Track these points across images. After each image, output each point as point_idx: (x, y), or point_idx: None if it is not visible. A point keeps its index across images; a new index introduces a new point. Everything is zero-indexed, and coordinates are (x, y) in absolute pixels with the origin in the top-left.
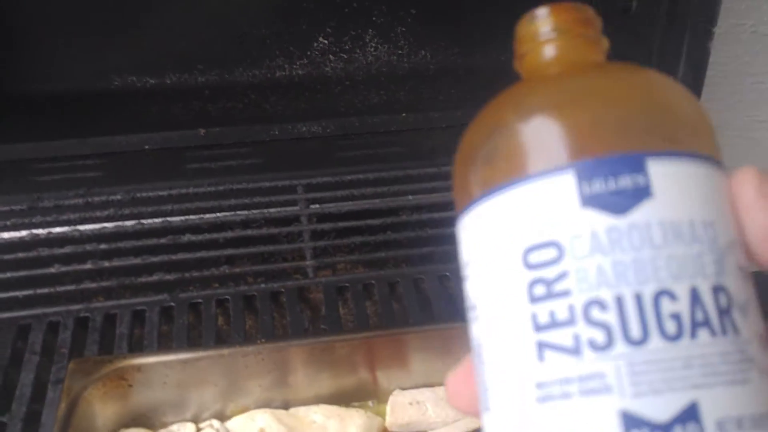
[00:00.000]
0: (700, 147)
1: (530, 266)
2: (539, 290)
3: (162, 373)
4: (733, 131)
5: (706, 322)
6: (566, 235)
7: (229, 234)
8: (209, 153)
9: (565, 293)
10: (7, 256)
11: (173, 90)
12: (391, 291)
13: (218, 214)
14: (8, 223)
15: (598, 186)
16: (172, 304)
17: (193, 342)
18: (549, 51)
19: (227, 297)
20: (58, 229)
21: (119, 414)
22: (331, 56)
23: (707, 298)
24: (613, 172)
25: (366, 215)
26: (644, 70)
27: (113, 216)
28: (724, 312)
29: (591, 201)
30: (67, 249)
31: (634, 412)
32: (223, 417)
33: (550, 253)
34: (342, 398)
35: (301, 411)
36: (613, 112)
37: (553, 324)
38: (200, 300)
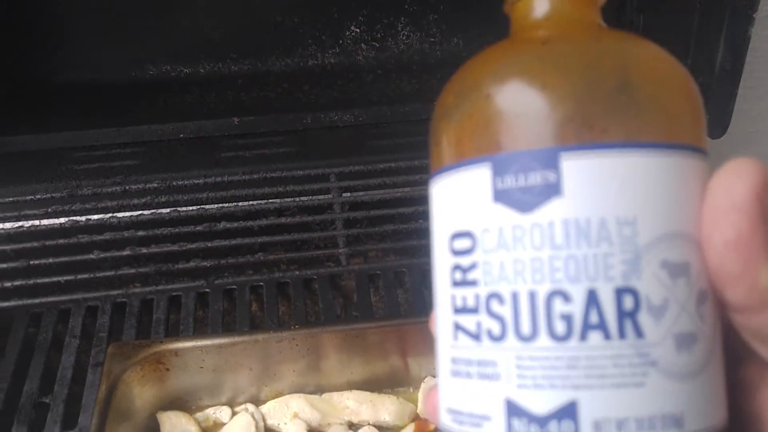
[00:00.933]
0: (646, 135)
1: (453, 252)
2: (457, 276)
3: (198, 358)
4: None
5: (600, 325)
6: (479, 228)
7: (263, 222)
8: (243, 142)
9: (474, 283)
10: (48, 243)
11: (207, 79)
12: (423, 279)
13: (252, 202)
14: (49, 210)
15: (509, 182)
16: (208, 290)
17: (227, 327)
18: (541, 4)
19: (261, 284)
20: (96, 217)
21: (157, 397)
22: (363, 45)
23: (606, 300)
24: (524, 168)
25: (397, 204)
26: (605, 43)
27: (150, 203)
28: (626, 315)
29: (501, 196)
30: (106, 236)
31: (517, 401)
32: (257, 401)
33: (466, 243)
34: (374, 384)
35: (334, 396)
36: (534, 103)
37: (465, 309)
38: (235, 286)
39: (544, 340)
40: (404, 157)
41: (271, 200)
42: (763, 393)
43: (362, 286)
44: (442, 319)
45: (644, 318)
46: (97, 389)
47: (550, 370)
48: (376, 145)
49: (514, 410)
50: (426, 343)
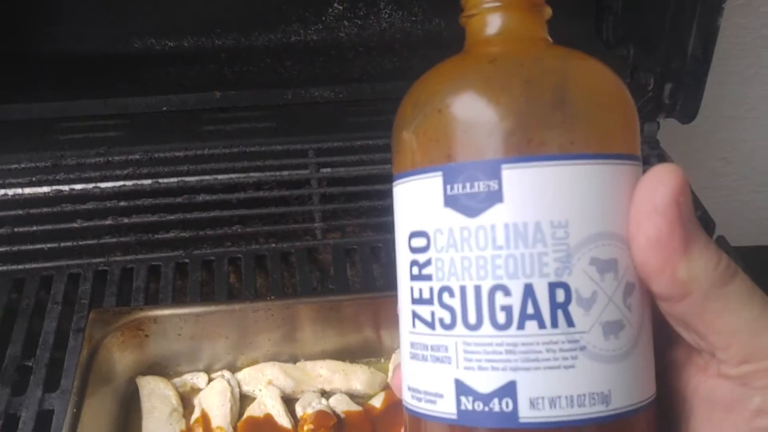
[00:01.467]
0: (579, 146)
1: (411, 249)
2: (415, 270)
3: (177, 325)
4: (748, 105)
5: (536, 316)
6: (432, 229)
7: (242, 195)
8: (225, 116)
9: (428, 277)
10: (32, 211)
11: (191, 53)
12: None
13: (232, 176)
14: (33, 179)
15: (457, 189)
16: (187, 260)
17: (205, 297)
18: (491, 22)
19: (239, 255)
20: (79, 186)
21: (136, 362)
22: (345, 22)
23: (541, 294)
24: (471, 178)
25: (375, 180)
26: (546, 62)
27: (132, 175)
28: (558, 306)
29: (451, 202)
30: (89, 205)
31: (465, 381)
32: (233, 368)
33: (422, 242)
34: (347, 355)
35: (308, 365)
36: (479, 119)
37: (421, 300)
38: (213, 258)
39: (487, 328)
40: (383, 135)
41: (250, 174)
42: (688, 371)
43: (339, 260)
44: (403, 307)
45: (574, 309)
46: (79, 354)
47: (492, 355)
48: (355, 122)
49: (462, 389)
50: (395, 318)
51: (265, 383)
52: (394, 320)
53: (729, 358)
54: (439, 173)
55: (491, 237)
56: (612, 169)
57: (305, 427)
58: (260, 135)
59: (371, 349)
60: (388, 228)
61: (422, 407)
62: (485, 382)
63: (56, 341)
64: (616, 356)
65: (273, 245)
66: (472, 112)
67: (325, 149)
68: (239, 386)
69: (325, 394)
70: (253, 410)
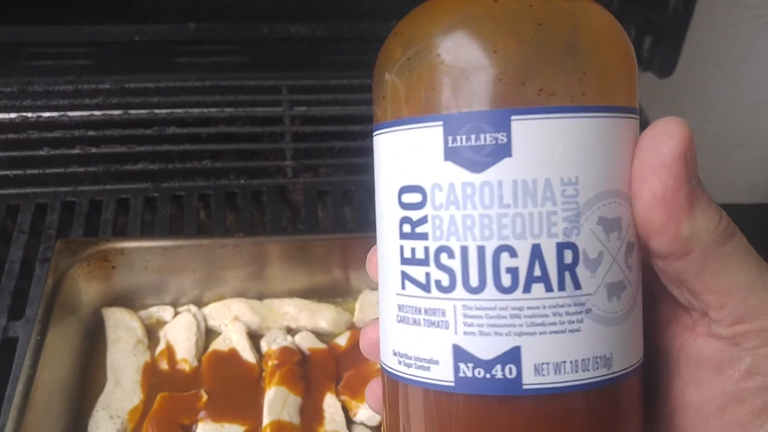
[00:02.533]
0: (590, 98)
1: (402, 205)
2: (406, 228)
3: (144, 258)
4: (729, 64)
5: (543, 278)
6: (429, 184)
7: (213, 130)
8: (198, 48)
9: (423, 236)
10: None
11: None
12: (371, 197)
13: (203, 110)
14: None
15: (460, 141)
16: (156, 194)
17: (174, 233)
18: None
19: (209, 192)
20: (47, 114)
21: (102, 294)
22: None
23: (549, 255)
24: (476, 129)
25: (348, 121)
26: (555, 3)
27: (101, 104)
28: (566, 268)
29: (453, 155)
30: (56, 133)
31: (464, 347)
32: (200, 303)
33: (416, 197)
34: (314, 294)
35: (275, 303)
36: (486, 64)
37: (413, 260)
38: (183, 193)
39: (490, 291)
40: (358, 75)
41: (222, 109)
42: (672, 329)
43: (310, 201)
44: (388, 267)
45: (581, 270)
46: (44, 283)
47: (496, 319)
48: (331, 61)
49: (461, 355)
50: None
51: (231, 319)
52: (362, 262)
53: (722, 317)
54: (439, 123)
55: (497, 194)
56: (619, 123)
57: (269, 363)
58: (234, 69)
59: (339, 290)
60: (362, 170)
61: (413, 374)
62: (487, 347)
63: (22, 270)
64: (618, 318)
65: (243, 182)
66: (479, 56)
67: (300, 87)
68: (205, 321)
69: (291, 331)
70: (218, 344)
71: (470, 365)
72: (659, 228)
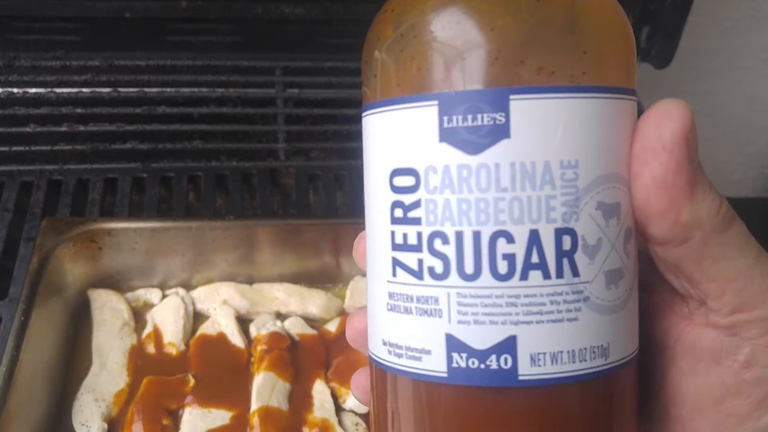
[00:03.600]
0: (590, 78)
1: (393, 188)
2: (398, 213)
3: (131, 239)
4: (723, 58)
5: (541, 265)
6: (423, 167)
7: (204, 110)
8: (190, 26)
9: (416, 221)
10: None
11: None
12: (362, 183)
13: (195, 89)
14: None
15: (456, 121)
16: (144, 175)
17: (163, 214)
18: None
19: (199, 173)
20: (34, 90)
21: (89, 275)
22: None
23: (547, 241)
24: (473, 109)
25: (342, 104)
26: None
27: (90, 81)
28: (564, 255)
29: (448, 136)
30: (43, 110)
31: (458, 337)
32: (188, 286)
33: (408, 180)
34: (305, 279)
35: (265, 287)
36: (483, 42)
37: (405, 246)
38: (172, 174)
39: (486, 278)
40: (353, 58)
41: (214, 89)
42: (667, 318)
43: (302, 185)
44: (377, 253)
45: (580, 257)
46: (29, 263)
47: (491, 308)
48: (325, 43)
49: (454, 345)
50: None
51: (219, 302)
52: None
53: (721, 306)
54: (434, 103)
55: (495, 177)
56: (620, 105)
57: (258, 348)
58: (226, 49)
59: (329, 275)
60: (354, 154)
61: (403, 364)
62: (482, 337)
63: (6, 249)
64: (615, 306)
65: (234, 164)
66: (475, 34)
67: (293, 68)
68: (193, 304)
69: (280, 316)
70: (206, 328)
71: (464, 355)
72: (659, 213)
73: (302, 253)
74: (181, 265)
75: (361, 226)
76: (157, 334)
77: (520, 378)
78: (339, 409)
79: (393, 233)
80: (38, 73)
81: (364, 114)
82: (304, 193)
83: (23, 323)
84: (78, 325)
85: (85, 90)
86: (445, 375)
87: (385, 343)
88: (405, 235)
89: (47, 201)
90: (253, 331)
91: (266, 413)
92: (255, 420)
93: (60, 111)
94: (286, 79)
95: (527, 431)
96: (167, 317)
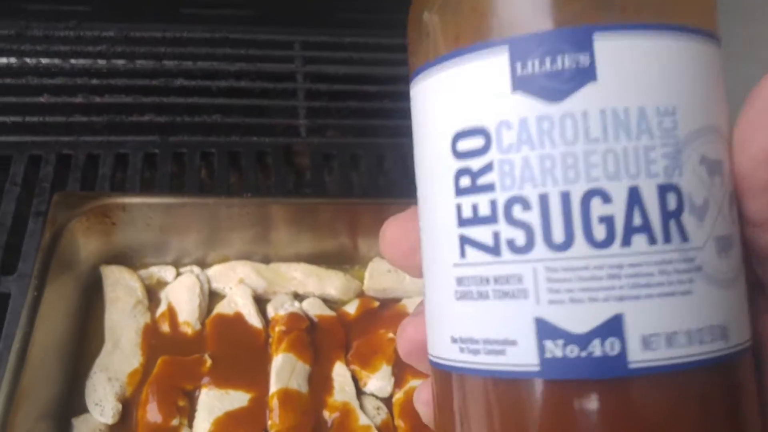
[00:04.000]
0: (675, 17)
1: (458, 155)
2: (464, 182)
3: (146, 215)
4: (735, 46)
5: (645, 228)
6: (494, 123)
7: (222, 83)
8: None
9: (488, 187)
10: None
11: None
12: (379, 163)
13: (213, 63)
14: None
15: (532, 67)
16: (156, 151)
17: (174, 191)
18: None
19: (212, 150)
20: (47, 60)
21: (101, 251)
22: None
23: (650, 200)
24: (552, 51)
25: (363, 80)
26: None
27: (105, 53)
28: (670, 216)
29: (523, 84)
30: (57, 80)
31: (550, 320)
32: (203, 264)
33: (476, 142)
34: (321, 260)
35: (282, 267)
36: None
37: (476, 219)
38: (185, 150)
39: (580, 247)
40: (374, 33)
41: (232, 62)
42: (763, 320)
43: (317, 165)
44: (438, 235)
45: (688, 219)
46: (39, 237)
47: (589, 282)
48: (346, 18)
49: (546, 331)
50: (377, 225)
51: (236, 281)
52: (371, 229)
53: None
54: (504, 48)
55: (583, 127)
56: (714, 51)
57: (277, 328)
58: (243, 23)
59: (346, 256)
60: (373, 132)
61: (480, 361)
62: (581, 318)
63: (14, 224)
64: (729, 280)
65: (255, 139)
66: None
67: (312, 43)
68: (208, 283)
69: (298, 297)
70: (222, 308)
71: (560, 342)
72: (762, 187)
73: (319, 233)
74: (195, 242)
75: (379, 207)
76: (171, 313)
77: (631, 366)
78: (359, 393)
79: (459, 207)
80: (51, 43)
81: (412, 81)
82: (319, 172)
83: (36, 299)
84: (90, 303)
85: (100, 61)
86: (536, 368)
87: (454, 340)
88: (475, 207)
89: (56, 175)
90: (270, 311)
91: (286, 395)
92: (274, 402)
93: (75, 82)
94: (305, 54)
95: None
96: (182, 296)
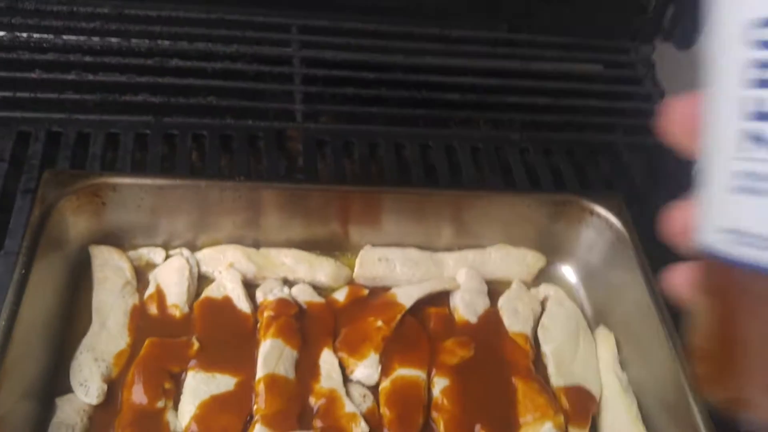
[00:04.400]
0: None
1: (755, 44)
2: (757, 74)
3: (137, 196)
4: None
5: None
6: None
7: (218, 65)
8: None
9: None
10: None
11: None
12: (372, 152)
13: (208, 44)
14: None
15: None
16: (148, 132)
17: (166, 172)
18: None
19: (204, 133)
20: (39, 35)
21: (91, 230)
22: None
23: None
24: None
25: (360, 67)
26: None
27: (99, 30)
28: None
29: None
30: (49, 56)
31: None
32: (192, 247)
33: None
34: (312, 246)
35: (272, 252)
36: None
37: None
38: (176, 131)
39: None
40: (374, 20)
41: (227, 44)
42: None
43: (309, 151)
44: (718, 127)
45: None
46: (28, 215)
47: None
48: (343, 3)
49: None
50: (369, 213)
51: (225, 265)
52: (363, 216)
53: None
54: None
55: None
56: None
57: (265, 314)
58: (239, 4)
59: (337, 243)
60: (366, 119)
61: (757, 256)
62: None
63: (1, 201)
64: None
65: (246, 122)
66: None
67: (311, 27)
68: (198, 266)
69: (287, 283)
70: (211, 291)
71: None
72: None
73: (310, 219)
74: (186, 225)
75: (368, 194)
76: (160, 295)
77: None
78: (346, 380)
79: (749, 100)
80: (43, 17)
81: None
82: (312, 158)
83: (24, 276)
84: (78, 282)
85: (94, 38)
86: None
87: (728, 232)
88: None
89: (46, 153)
90: (259, 296)
91: (272, 381)
92: (260, 387)
93: (68, 58)
94: (302, 38)
95: None
96: (171, 278)
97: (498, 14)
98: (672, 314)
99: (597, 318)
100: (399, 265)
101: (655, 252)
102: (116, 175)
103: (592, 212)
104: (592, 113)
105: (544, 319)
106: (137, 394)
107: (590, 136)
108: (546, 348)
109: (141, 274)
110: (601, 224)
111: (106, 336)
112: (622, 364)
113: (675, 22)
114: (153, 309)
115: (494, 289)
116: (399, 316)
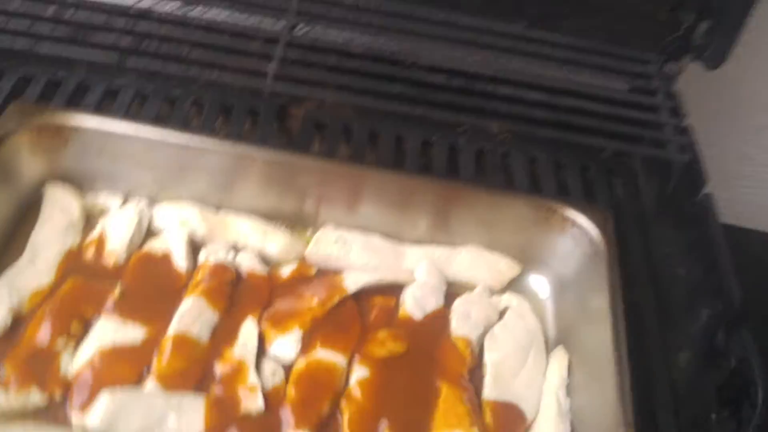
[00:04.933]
0: None
1: None
2: None
3: (101, 141)
4: None
5: None
6: None
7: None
8: None
9: None
10: None
11: None
12: (370, 138)
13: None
14: None
15: None
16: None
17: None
18: None
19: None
20: None
21: (47, 170)
22: None
23: None
24: None
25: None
26: None
27: None
28: None
29: None
30: None
31: None
32: (155, 201)
33: None
34: (277, 218)
35: (230, 217)
36: None
37: None
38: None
39: None
40: None
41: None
42: None
43: (307, 130)
44: None
45: None
46: None
47: None
48: None
49: None
50: (344, 192)
51: (178, 222)
52: (337, 195)
53: None
54: None
55: None
56: None
57: (199, 275)
58: None
59: (303, 219)
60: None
61: None
62: None
63: None
64: None
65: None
66: None
67: None
68: (151, 219)
69: (236, 249)
70: (153, 245)
71: None
72: None
73: (286, 191)
74: (150, 178)
75: (348, 172)
76: (100, 241)
77: None
78: (262, 354)
79: None
80: None
81: None
82: (308, 136)
83: None
84: (28, 219)
85: None
86: None
87: None
88: None
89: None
90: (201, 257)
91: (181, 342)
92: (167, 345)
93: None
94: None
95: None
96: (117, 226)
97: (519, 10)
98: (629, 349)
99: (560, 336)
100: (356, 249)
101: (638, 276)
102: (83, 115)
103: (573, 223)
104: (606, 135)
105: (495, 328)
106: (43, 330)
107: (606, 154)
108: (488, 357)
109: (93, 219)
110: (580, 236)
111: (32, 272)
112: (571, 389)
113: (708, 39)
114: (90, 254)
115: (456, 292)
116: (337, 299)
